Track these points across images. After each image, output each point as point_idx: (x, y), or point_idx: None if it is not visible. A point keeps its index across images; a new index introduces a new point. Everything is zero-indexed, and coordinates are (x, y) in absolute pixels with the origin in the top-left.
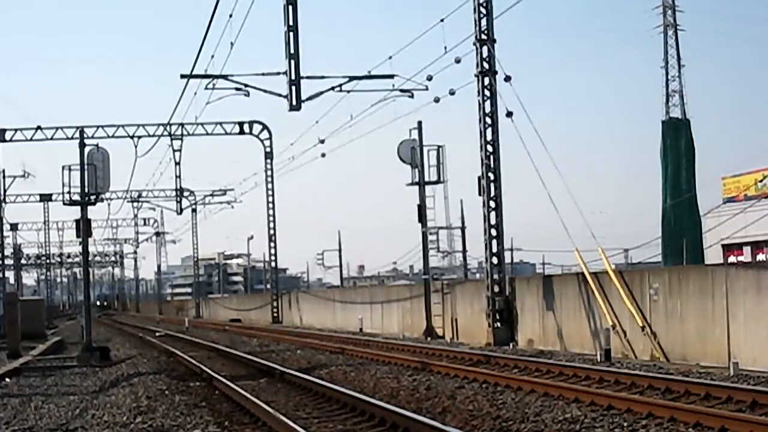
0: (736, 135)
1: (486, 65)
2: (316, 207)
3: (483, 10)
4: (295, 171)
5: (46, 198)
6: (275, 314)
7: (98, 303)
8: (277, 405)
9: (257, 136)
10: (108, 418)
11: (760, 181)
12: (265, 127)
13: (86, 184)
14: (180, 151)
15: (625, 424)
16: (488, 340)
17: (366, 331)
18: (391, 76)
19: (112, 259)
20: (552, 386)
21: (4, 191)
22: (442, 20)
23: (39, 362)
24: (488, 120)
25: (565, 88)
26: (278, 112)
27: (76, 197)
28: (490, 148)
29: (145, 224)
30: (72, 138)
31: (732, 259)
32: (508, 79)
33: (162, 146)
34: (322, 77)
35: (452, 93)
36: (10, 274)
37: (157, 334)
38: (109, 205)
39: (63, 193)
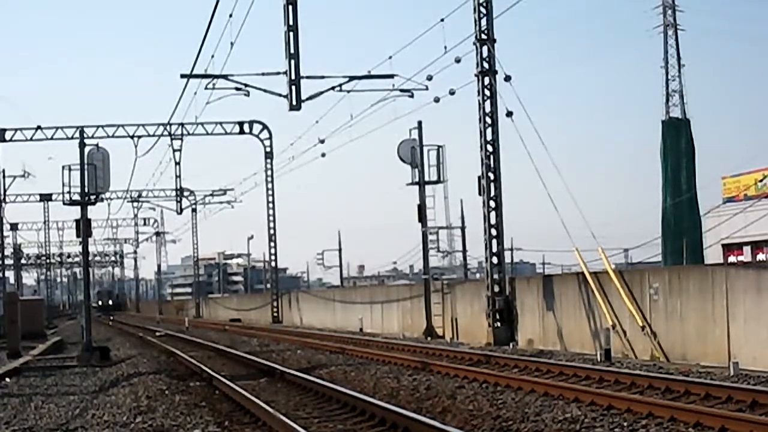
0: (736, 135)
1: (486, 65)
2: (316, 207)
3: (483, 10)
4: (295, 171)
5: (46, 198)
6: (275, 314)
7: (100, 303)
8: (277, 405)
9: (257, 136)
10: (108, 418)
11: (760, 180)
12: (265, 126)
13: (86, 184)
14: (180, 151)
15: (625, 423)
16: (488, 340)
17: (366, 331)
18: (391, 76)
19: (112, 259)
20: (552, 386)
21: (4, 191)
22: (442, 20)
23: (39, 362)
24: (488, 120)
25: (565, 88)
26: (278, 112)
27: (76, 197)
28: (490, 148)
29: (145, 224)
30: (72, 138)
31: (732, 259)
32: (508, 79)
33: (162, 146)
34: (322, 77)
35: (452, 93)
36: (10, 274)
37: (157, 333)
38: (109, 205)
39: (63, 193)
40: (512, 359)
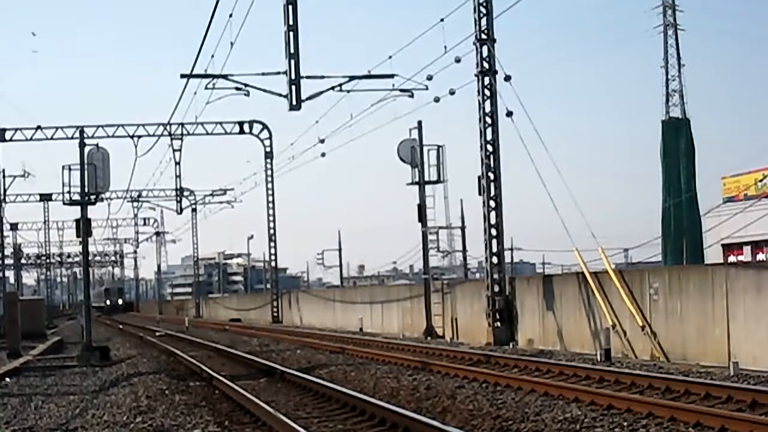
0: (736, 135)
1: (486, 65)
2: (316, 207)
3: (483, 10)
4: (295, 171)
5: (46, 198)
6: (275, 314)
7: (107, 302)
8: (277, 405)
9: (257, 136)
10: (108, 418)
11: (760, 180)
12: (265, 126)
13: (86, 183)
14: (180, 150)
15: (625, 423)
16: (488, 340)
17: (366, 331)
18: (391, 76)
19: (112, 258)
20: (552, 386)
21: (4, 191)
22: (442, 20)
23: (39, 362)
24: (488, 120)
25: (565, 88)
26: (278, 111)
27: (76, 197)
28: (490, 147)
29: (145, 224)
30: (72, 138)
31: (732, 258)
32: (508, 78)
33: (162, 146)
34: (322, 77)
35: (452, 93)
36: (10, 274)
37: (157, 333)
38: (109, 205)
39: (63, 192)
40: (512, 359)
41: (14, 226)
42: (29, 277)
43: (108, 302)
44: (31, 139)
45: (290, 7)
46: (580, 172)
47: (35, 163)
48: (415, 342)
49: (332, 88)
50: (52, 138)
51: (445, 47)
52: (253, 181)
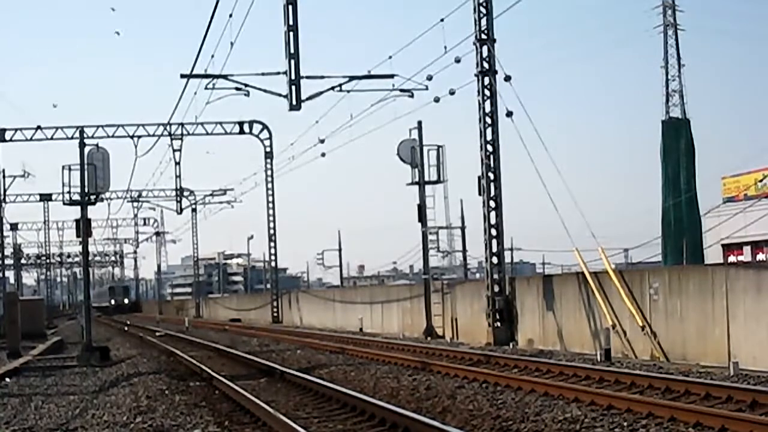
0: (736, 135)
1: (486, 65)
2: (316, 207)
3: (483, 10)
4: (295, 171)
5: (46, 198)
6: (275, 314)
7: (112, 301)
8: (277, 405)
9: (257, 136)
10: (108, 418)
11: (760, 180)
12: (265, 126)
13: (86, 184)
14: (180, 150)
15: (625, 423)
16: (488, 340)
17: (366, 331)
18: (391, 76)
19: (112, 259)
20: (552, 386)
21: (4, 191)
22: (442, 20)
23: (39, 362)
24: (488, 120)
25: (565, 88)
26: (278, 111)
27: (76, 197)
28: (490, 147)
29: (145, 224)
30: (72, 138)
31: (732, 259)
32: (508, 79)
33: (162, 146)
34: (322, 77)
35: (452, 93)
36: (10, 274)
37: (157, 333)
38: (109, 205)
39: (63, 193)
40: (512, 359)
41: (14, 226)
42: (29, 277)
43: (113, 302)
44: (31, 139)
45: (290, 7)
46: (580, 172)
47: (35, 163)
48: (415, 342)
49: (332, 88)
50: (52, 138)
51: (445, 47)
52: (253, 181)
